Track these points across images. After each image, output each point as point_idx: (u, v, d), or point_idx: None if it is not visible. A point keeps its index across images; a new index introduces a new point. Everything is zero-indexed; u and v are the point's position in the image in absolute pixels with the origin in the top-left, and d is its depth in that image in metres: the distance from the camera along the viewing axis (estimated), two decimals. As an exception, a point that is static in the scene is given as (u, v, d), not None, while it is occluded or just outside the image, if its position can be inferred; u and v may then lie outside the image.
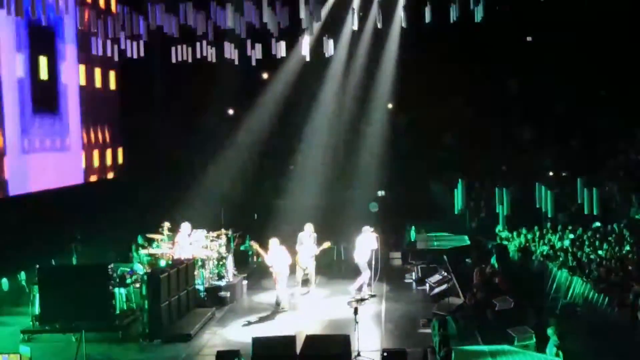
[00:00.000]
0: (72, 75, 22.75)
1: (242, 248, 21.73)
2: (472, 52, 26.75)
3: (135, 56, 20.95)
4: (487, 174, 28.12)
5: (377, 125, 28.74)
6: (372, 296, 18.34)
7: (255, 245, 18.52)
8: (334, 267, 22.22)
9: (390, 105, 29.31)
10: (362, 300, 17.71)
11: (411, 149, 28.52)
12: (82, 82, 23.37)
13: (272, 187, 28.91)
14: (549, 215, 24.13)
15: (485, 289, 16.38)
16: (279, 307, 17.66)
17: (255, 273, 20.65)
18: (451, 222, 26.14)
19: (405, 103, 28.58)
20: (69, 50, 22.49)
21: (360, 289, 18.57)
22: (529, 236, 22.59)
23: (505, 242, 22.30)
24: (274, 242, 17.88)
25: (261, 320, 17.10)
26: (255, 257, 21.87)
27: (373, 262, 18.43)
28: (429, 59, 26.60)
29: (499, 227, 24.46)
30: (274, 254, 17.77)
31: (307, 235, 18.70)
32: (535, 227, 23.15)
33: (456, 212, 26.78)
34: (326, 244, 18.78)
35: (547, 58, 27.39)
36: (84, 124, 23.43)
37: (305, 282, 18.86)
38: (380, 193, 29.16)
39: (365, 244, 18.44)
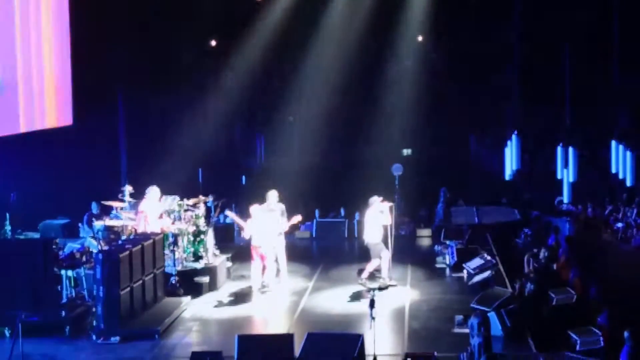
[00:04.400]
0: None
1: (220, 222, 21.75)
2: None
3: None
4: (547, 130, 28.07)
5: (402, 63, 28.61)
6: (393, 285, 18.40)
7: (232, 215, 18.64)
8: (345, 246, 22.29)
9: (420, 38, 29.16)
10: (380, 289, 17.82)
11: (447, 95, 28.42)
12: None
13: (265, 143, 28.95)
14: (627, 184, 24.13)
15: (540, 277, 16.41)
16: (265, 289, 18.06)
17: (242, 253, 20.71)
18: (498, 191, 26.16)
19: (441, 34, 28.41)
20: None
21: (372, 277, 18.63)
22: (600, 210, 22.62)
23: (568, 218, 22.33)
24: (254, 210, 18.17)
25: (249, 313, 17.19)
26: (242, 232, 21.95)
27: (390, 241, 18.46)
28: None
29: (561, 198, 24.47)
30: (256, 223, 18.04)
31: (272, 207, 18.76)
32: (608, 199, 23.15)
33: (506, 179, 26.81)
34: (296, 218, 18.90)
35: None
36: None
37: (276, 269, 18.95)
38: (406, 152, 29.16)
39: (376, 219, 18.45)
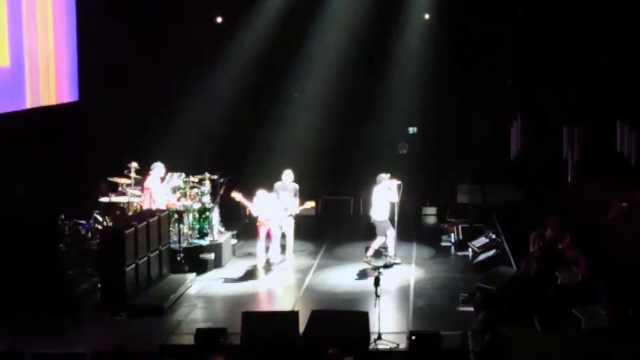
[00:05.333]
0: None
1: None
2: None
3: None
4: (552, 108, 27.90)
5: (408, 41, 28.44)
6: (398, 264, 18.40)
7: (238, 196, 18.67)
8: (350, 225, 22.27)
9: (427, 16, 28.99)
10: (385, 267, 17.83)
11: (453, 73, 28.26)
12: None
13: (271, 119, 28.84)
14: (632, 163, 24.00)
15: (545, 257, 16.39)
16: (271, 266, 18.14)
17: (248, 230, 20.72)
18: (503, 170, 26.09)
19: (447, 12, 28.23)
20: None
21: (377, 255, 18.62)
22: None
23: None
24: (261, 192, 18.34)
25: (254, 290, 17.22)
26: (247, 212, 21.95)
27: (397, 219, 18.44)
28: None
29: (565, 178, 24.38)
30: (261, 203, 18.13)
31: (286, 186, 18.76)
32: (614, 179, 23.05)
33: (510, 157, 26.71)
34: (309, 204, 18.92)
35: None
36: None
37: (282, 247, 18.95)
38: (412, 130, 29.03)
39: (383, 196, 18.41)
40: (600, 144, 24.90)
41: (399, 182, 18.47)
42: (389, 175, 18.56)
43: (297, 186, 18.98)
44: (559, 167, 25.14)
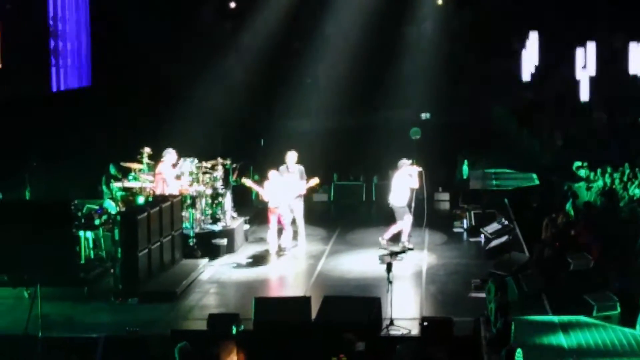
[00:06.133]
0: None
1: (234, 183, 21.70)
2: None
3: None
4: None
5: (422, 25, 28.37)
6: (410, 249, 18.38)
7: (249, 182, 18.67)
8: (362, 210, 22.25)
9: (440, 1, 28.93)
10: (398, 253, 17.81)
11: (467, 58, 28.18)
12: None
13: (283, 105, 28.84)
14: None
15: (558, 242, 16.35)
16: (282, 252, 18.16)
17: (260, 215, 20.72)
18: (516, 155, 26.03)
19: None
20: None
21: (394, 239, 18.60)
22: (616, 175, 22.43)
23: (583, 184, 22.20)
24: (273, 174, 18.20)
25: (266, 275, 17.23)
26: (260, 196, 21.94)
27: (413, 205, 18.40)
28: None
29: (578, 163, 24.31)
30: (273, 186, 18.05)
31: (290, 168, 18.70)
32: (626, 164, 22.98)
33: (523, 79, 26.44)
34: (313, 181, 18.83)
35: None
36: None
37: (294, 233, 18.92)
38: (425, 116, 29.00)
39: (403, 182, 18.36)
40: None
41: (420, 168, 18.37)
42: (410, 161, 18.47)
43: (302, 168, 18.85)
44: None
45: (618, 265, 15.42)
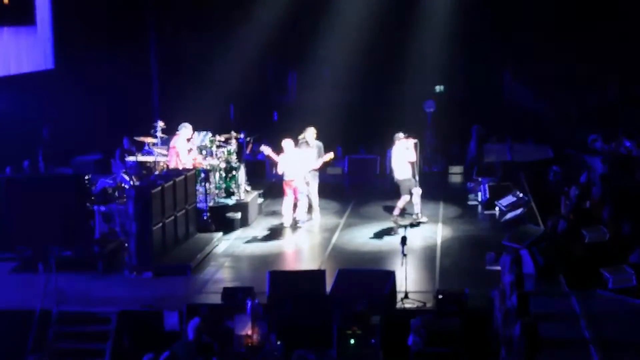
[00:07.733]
0: None
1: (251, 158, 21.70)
2: None
3: None
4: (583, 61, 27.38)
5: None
6: (423, 222, 18.32)
7: (267, 150, 18.61)
8: (376, 183, 22.20)
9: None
10: (412, 226, 17.75)
11: (483, 28, 27.90)
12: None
13: (297, 79, 28.73)
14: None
15: (573, 215, 16.28)
16: (297, 225, 18.16)
17: (274, 189, 20.70)
18: (532, 128, 25.89)
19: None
20: None
21: (404, 214, 18.53)
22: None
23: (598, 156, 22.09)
24: (288, 144, 18.12)
25: (281, 249, 17.22)
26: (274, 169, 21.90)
27: (417, 178, 18.30)
28: None
29: (594, 137, 24.19)
30: (288, 158, 18.01)
31: (309, 143, 18.63)
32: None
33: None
34: (328, 156, 18.76)
35: None
36: None
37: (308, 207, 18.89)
38: (439, 88, 28.85)
39: (401, 155, 18.25)
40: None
41: (415, 140, 18.26)
42: (405, 134, 18.35)
43: (321, 144, 18.83)
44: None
45: (634, 237, 15.34)
